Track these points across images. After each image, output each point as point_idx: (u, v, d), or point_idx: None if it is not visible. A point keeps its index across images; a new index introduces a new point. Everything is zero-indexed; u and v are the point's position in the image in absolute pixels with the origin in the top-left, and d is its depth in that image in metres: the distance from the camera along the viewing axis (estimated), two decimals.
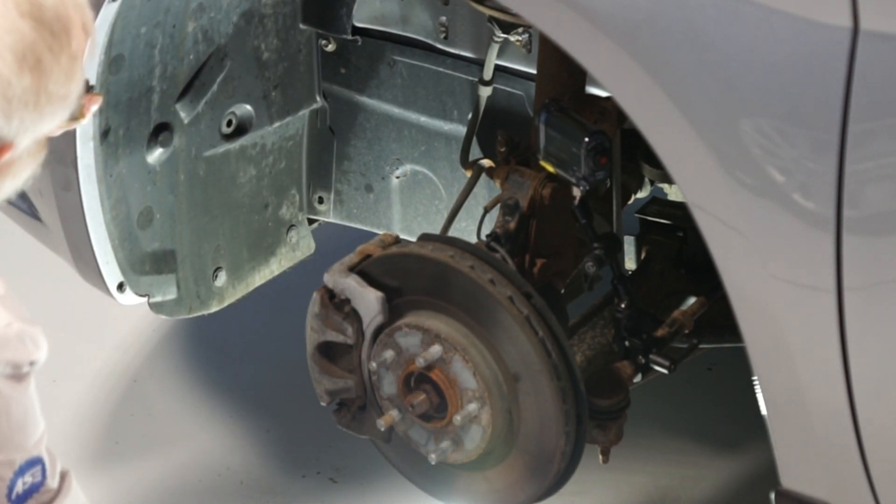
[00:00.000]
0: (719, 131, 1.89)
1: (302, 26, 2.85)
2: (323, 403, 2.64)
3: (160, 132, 2.70)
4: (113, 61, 2.52)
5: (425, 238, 2.51)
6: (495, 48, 2.67)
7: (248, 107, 2.83)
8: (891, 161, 1.83)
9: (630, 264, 2.89)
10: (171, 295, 2.85)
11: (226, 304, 2.99)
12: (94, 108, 1.91)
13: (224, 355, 3.65)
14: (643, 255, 2.88)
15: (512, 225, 2.52)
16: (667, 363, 2.47)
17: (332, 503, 3.27)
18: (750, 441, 3.29)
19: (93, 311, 3.62)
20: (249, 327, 3.72)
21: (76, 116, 1.88)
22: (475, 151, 2.81)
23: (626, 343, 2.49)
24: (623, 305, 2.46)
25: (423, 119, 2.93)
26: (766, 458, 2.19)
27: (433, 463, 2.48)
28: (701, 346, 2.62)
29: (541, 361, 2.36)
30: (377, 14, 2.82)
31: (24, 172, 1.88)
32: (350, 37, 2.84)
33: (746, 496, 3.21)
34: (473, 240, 2.55)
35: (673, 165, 1.97)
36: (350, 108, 3.00)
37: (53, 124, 1.84)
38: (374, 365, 2.51)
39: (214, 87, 2.74)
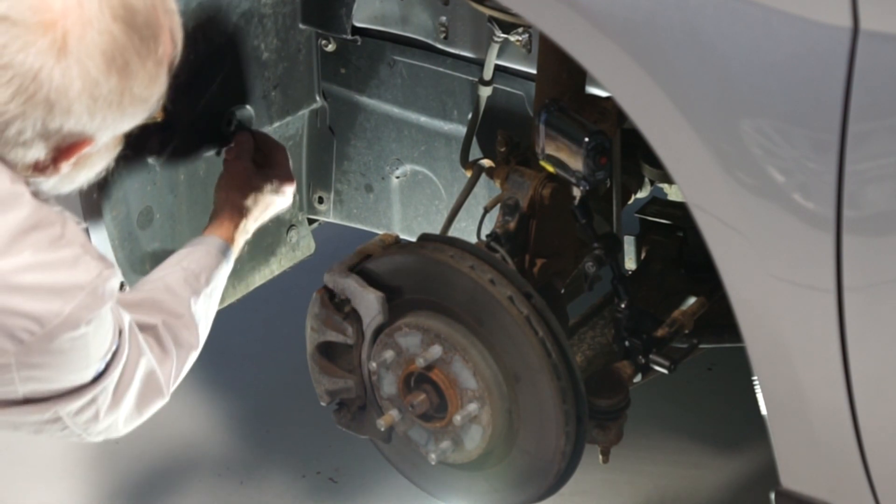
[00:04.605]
0: (719, 131, 1.89)
1: (301, 26, 2.85)
2: (323, 403, 2.64)
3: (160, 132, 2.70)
4: None
5: (425, 238, 2.51)
6: (495, 48, 2.67)
7: (248, 107, 2.83)
8: (891, 161, 1.83)
9: (630, 264, 2.89)
10: None
11: (226, 304, 2.98)
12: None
13: (224, 355, 3.65)
14: (643, 255, 2.88)
15: (512, 225, 2.52)
16: (667, 363, 2.47)
17: (332, 503, 3.27)
18: (750, 441, 3.30)
19: None
20: (249, 327, 3.72)
21: (153, 116, 1.97)
22: (475, 151, 2.81)
23: (626, 343, 2.49)
24: (623, 305, 2.46)
25: (423, 119, 2.93)
26: (766, 458, 2.19)
27: (433, 463, 2.48)
28: (701, 346, 2.62)
29: (541, 361, 2.36)
30: (377, 14, 2.82)
31: (99, 164, 1.98)
32: (350, 37, 2.85)
33: (746, 496, 3.22)
34: (473, 240, 2.55)
35: (673, 165, 1.97)
36: (350, 108, 3.00)
37: (133, 123, 1.93)
38: (374, 365, 2.51)
39: (214, 87, 2.74)
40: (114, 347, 2.01)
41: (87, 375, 1.98)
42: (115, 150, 2.00)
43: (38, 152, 1.90)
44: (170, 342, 2.20)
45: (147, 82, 1.90)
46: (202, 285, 2.38)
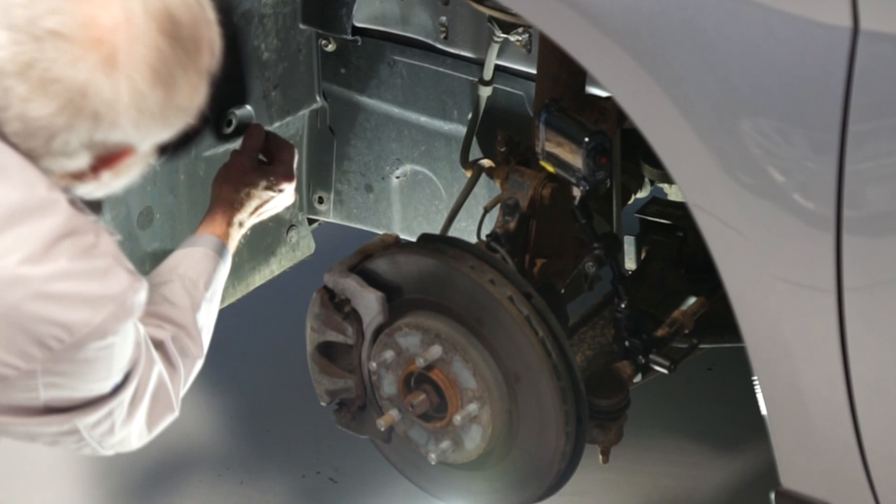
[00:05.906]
0: (719, 131, 1.89)
1: (302, 26, 2.85)
2: (323, 403, 2.64)
3: None
4: None
5: (425, 238, 2.51)
6: (495, 48, 2.68)
7: (248, 107, 2.83)
8: (891, 161, 1.83)
9: (630, 264, 2.89)
10: None
11: (226, 304, 2.98)
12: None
13: (224, 355, 3.65)
14: (643, 255, 2.88)
15: (512, 225, 2.52)
16: (667, 363, 2.47)
17: (332, 503, 3.27)
18: (750, 441, 3.30)
19: None
20: (249, 327, 3.72)
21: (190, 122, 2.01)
22: (475, 151, 2.81)
23: (626, 343, 2.49)
24: (623, 305, 2.46)
25: (423, 119, 2.93)
26: (766, 458, 2.19)
27: (433, 463, 2.48)
28: (701, 346, 2.62)
29: (541, 361, 2.36)
30: (377, 14, 2.82)
31: (135, 171, 2.01)
32: (350, 37, 2.85)
33: (746, 496, 3.22)
34: (473, 240, 2.55)
35: (673, 165, 1.97)
36: (350, 108, 3.00)
37: (173, 132, 1.97)
38: (374, 365, 2.51)
39: (214, 87, 2.74)
40: (134, 360, 2.04)
41: (107, 386, 2.01)
42: (151, 158, 2.03)
43: (81, 162, 1.92)
44: (176, 356, 2.23)
45: (190, 93, 1.94)
46: (202, 292, 2.37)
